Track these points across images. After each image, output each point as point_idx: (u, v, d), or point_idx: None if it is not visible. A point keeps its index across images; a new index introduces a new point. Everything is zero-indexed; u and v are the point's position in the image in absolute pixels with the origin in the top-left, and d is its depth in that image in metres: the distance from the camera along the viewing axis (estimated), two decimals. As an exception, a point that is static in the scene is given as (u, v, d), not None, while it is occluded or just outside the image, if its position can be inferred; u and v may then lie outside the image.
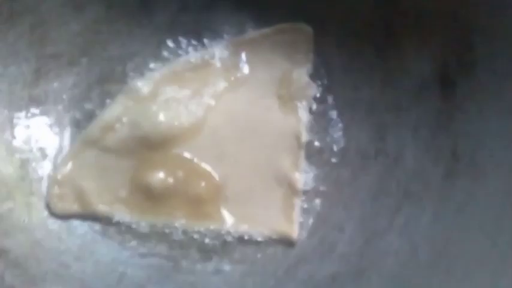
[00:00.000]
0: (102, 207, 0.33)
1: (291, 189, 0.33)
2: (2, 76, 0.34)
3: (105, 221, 0.33)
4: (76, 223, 0.33)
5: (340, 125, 0.35)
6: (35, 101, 0.35)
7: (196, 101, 0.35)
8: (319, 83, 0.36)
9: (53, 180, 0.33)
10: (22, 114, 0.34)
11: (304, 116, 0.34)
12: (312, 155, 0.34)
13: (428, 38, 0.32)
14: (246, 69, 0.36)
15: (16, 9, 0.33)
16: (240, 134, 0.34)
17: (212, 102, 0.35)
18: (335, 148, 0.34)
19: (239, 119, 0.35)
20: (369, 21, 0.34)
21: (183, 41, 0.37)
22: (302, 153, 0.34)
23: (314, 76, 0.36)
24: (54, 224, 0.33)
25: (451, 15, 0.30)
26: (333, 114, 0.35)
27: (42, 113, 0.35)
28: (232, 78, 0.35)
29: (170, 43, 0.37)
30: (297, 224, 0.32)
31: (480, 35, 0.29)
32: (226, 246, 0.33)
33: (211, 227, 0.33)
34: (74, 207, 0.33)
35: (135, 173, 0.33)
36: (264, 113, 0.35)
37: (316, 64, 0.36)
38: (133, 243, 0.33)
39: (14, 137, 0.34)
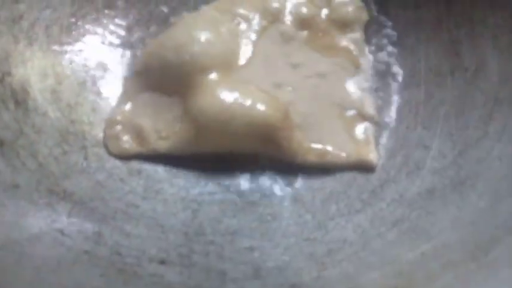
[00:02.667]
0: (162, 144, 0.30)
1: (361, 112, 0.30)
2: (38, 20, 0.31)
3: (166, 159, 0.30)
4: (136, 164, 0.30)
5: (403, 46, 0.32)
6: (74, 45, 0.32)
7: (241, 26, 0.32)
8: (376, 6, 0.33)
9: (111, 121, 0.30)
10: (62, 58, 0.31)
11: (361, 38, 0.32)
12: (377, 78, 0.32)
13: None
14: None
15: None
16: (294, 63, 0.31)
17: (261, 29, 0.32)
18: (401, 70, 0.32)
19: (293, 45, 0.32)
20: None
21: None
22: (365, 77, 0.31)
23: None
24: (113, 167, 0.30)
25: None
26: (394, 36, 0.32)
27: (84, 57, 0.32)
28: (276, 5, 0.33)
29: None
30: (373, 147, 0.29)
31: None
32: (300, 175, 0.29)
33: (282, 156, 0.29)
34: (134, 147, 0.30)
35: (189, 102, 0.29)
36: (319, 38, 0.32)
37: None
38: (200, 180, 0.30)
39: (58, 83, 0.31)
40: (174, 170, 0.29)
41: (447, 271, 0.21)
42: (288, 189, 0.29)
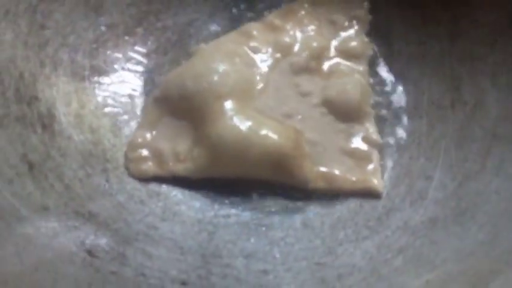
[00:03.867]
0: (180, 167, 0.31)
1: (367, 142, 0.32)
2: (62, 45, 0.32)
3: (183, 182, 0.31)
4: (154, 186, 0.31)
5: (407, 79, 0.34)
6: (96, 70, 0.33)
7: (254, 58, 0.33)
8: (381, 41, 0.35)
9: (132, 145, 0.31)
10: (86, 83, 0.33)
11: (366, 70, 0.33)
12: (382, 111, 0.33)
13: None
14: (301, 30, 0.34)
15: (70, -21, 0.31)
16: (303, 92, 0.33)
17: (273, 61, 0.33)
18: (404, 103, 0.33)
19: (302, 76, 0.33)
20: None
21: (236, 10, 0.36)
22: (370, 108, 0.32)
23: (374, 35, 0.34)
24: (133, 188, 0.31)
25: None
26: (398, 69, 0.34)
27: (105, 82, 0.33)
28: (287, 39, 0.34)
29: (222, 11, 0.36)
30: (379, 174, 0.31)
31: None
32: (310, 201, 0.31)
33: (293, 183, 0.31)
34: (153, 169, 0.31)
35: (206, 128, 0.31)
36: (325, 71, 0.33)
37: (376, 22, 0.35)
38: (215, 203, 0.31)
39: (81, 107, 0.32)
40: (191, 193, 0.31)
41: (451, 300, 0.22)
42: (298, 215, 0.30)
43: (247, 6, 0.36)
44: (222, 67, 0.31)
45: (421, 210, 0.28)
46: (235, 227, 0.29)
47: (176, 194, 0.31)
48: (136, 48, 0.35)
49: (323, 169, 0.30)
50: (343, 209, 0.30)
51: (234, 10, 0.37)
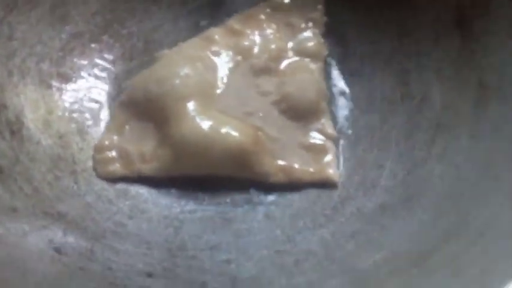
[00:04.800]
0: (146, 167, 0.32)
1: (324, 135, 0.33)
2: (30, 55, 0.33)
3: (149, 181, 0.33)
4: (122, 186, 0.32)
5: (361, 77, 0.36)
6: (63, 77, 0.34)
7: (216, 62, 0.35)
8: (335, 41, 0.37)
9: (100, 147, 0.33)
10: (53, 90, 0.34)
11: (321, 70, 0.35)
12: (337, 105, 0.35)
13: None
14: (260, 33, 0.36)
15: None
16: (263, 91, 0.34)
17: (234, 64, 0.35)
18: (360, 97, 0.35)
19: (262, 77, 0.35)
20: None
21: (198, 16, 0.38)
22: (325, 104, 0.34)
23: (329, 36, 0.36)
24: (101, 189, 0.32)
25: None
26: (353, 67, 0.36)
27: (72, 89, 0.34)
28: (247, 43, 0.36)
29: (185, 18, 0.37)
30: (335, 166, 0.33)
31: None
32: (271, 194, 0.32)
33: (255, 177, 0.32)
34: (120, 170, 0.33)
35: (170, 129, 0.32)
36: (283, 70, 0.35)
37: (331, 24, 0.37)
38: (181, 200, 0.32)
39: (49, 113, 0.33)
40: (157, 191, 0.32)
41: (393, 277, 0.24)
42: (260, 207, 0.32)
43: (209, 13, 0.38)
44: (184, 71, 0.33)
45: (373, 198, 0.30)
46: (201, 221, 0.31)
47: (143, 192, 0.32)
48: (103, 55, 0.36)
49: (283, 163, 0.32)
50: (302, 199, 0.32)
51: (196, 17, 0.38)
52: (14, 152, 0.30)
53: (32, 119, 0.32)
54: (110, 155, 0.32)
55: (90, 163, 0.33)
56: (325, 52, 0.35)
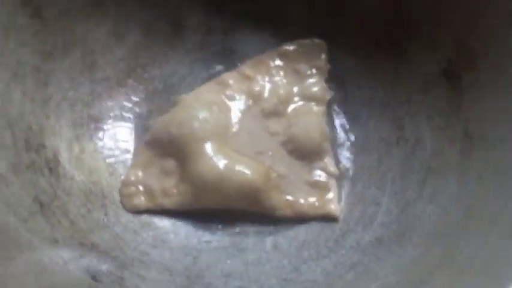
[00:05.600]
0: (167, 201, 0.36)
1: (327, 173, 0.37)
2: (64, 99, 0.37)
3: (171, 214, 0.37)
4: (146, 218, 0.37)
5: (359, 120, 0.40)
6: (93, 119, 0.38)
7: (230, 105, 0.39)
8: (337, 87, 0.41)
9: (126, 183, 0.37)
10: (85, 130, 0.38)
11: (324, 113, 0.39)
12: (339, 147, 0.39)
13: (430, 43, 0.38)
14: (270, 79, 0.40)
15: (68, 41, 0.37)
16: (272, 132, 0.39)
17: (246, 107, 0.39)
18: (357, 140, 0.39)
19: (271, 119, 0.39)
20: (376, 33, 0.39)
21: (212, 61, 0.42)
22: (328, 144, 0.38)
23: (332, 82, 0.41)
24: (128, 221, 0.36)
25: (447, 24, 0.36)
26: (352, 110, 0.40)
27: (102, 129, 0.39)
28: (258, 88, 0.40)
29: (201, 63, 0.41)
30: (336, 201, 0.37)
31: (475, 38, 0.35)
32: (279, 227, 0.36)
33: (264, 211, 0.36)
34: (144, 203, 0.36)
35: (190, 167, 0.36)
36: (290, 113, 0.39)
37: (333, 70, 0.41)
38: (198, 231, 0.37)
39: (81, 151, 0.37)
40: (177, 222, 0.36)
41: (388, 305, 0.28)
42: (269, 238, 0.36)
43: (222, 59, 0.42)
44: (201, 114, 0.37)
45: (370, 232, 0.34)
46: (216, 251, 0.35)
47: (165, 224, 0.36)
48: (128, 97, 0.40)
49: (290, 198, 0.36)
50: (307, 232, 0.36)
51: (211, 62, 0.42)
52: (52, 188, 0.34)
53: (67, 157, 0.36)
54: (135, 190, 0.37)
55: (117, 197, 0.37)
56: (328, 97, 0.39)
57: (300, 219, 0.36)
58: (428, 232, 0.31)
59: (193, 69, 0.41)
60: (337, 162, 0.38)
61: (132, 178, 0.37)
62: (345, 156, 0.38)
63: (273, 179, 0.36)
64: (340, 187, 0.37)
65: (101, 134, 0.38)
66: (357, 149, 0.38)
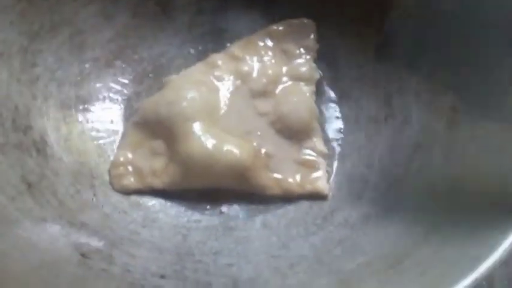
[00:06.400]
0: (156, 181, 0.37)
1: (316, 152, 0.38)
2: (51, 80, 0.38)
3: (160, 194, 0.37)
4: (135, 198, 0.37)
5: (349, 99, 0.40)
6: (81, 100, 0.39)
7: (218, 85, 0.40)
8: (327, 65, 0.42)
9: (115, 163, 0.37)
10: (73, 112, 0.39)
11: (312, 93, 0.40)
12: (328, 126, 0.40)
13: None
14: (258, 59, 0.41)
15: (56, 21, 0.37)
16: (260, 112, 0.39)
17: (234, 87, 0.40)
18: (347, 118, 0.40)
19: (260, 99, 0.39)
20: (365, 10, 0.40)
21: (202, 42, 0.43)
22: (317, 124, 0.39)
23: (322, 61, 0.41)
24: (117, 201, 0.37)
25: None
26: (342, 89, 0.40)
27: (90, 110, 0.39)
28: (246, 68, 0.40)
29: (190, 44, 0.42)
30: (325, 180, 0.37)
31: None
32: (269, 205, 0.37)
33: (254, 190, 0.37)
34: (133, 184, 0.37)
35: (179, 147, 0.36)
36: (278, 93, 0.40)
37: (324, 51, 0.42)
38: (188, 210, 0.37)
39: (69, 132, 0.38)
40: (167, 202, 0.37)
41: (374, 277, 0.29)
42: (259, 217, 0.36)
43: (211, 39, 0.42)
44: (190, 94, 0.38)
45: (358, 209, 0.35)
46: (205, 229, 0.35)
47: (154, 204, 0.36)
48: (116, 78, 0.40)
49: (278, 176, 0.37)
50: (296, 210, 0.36)
51: (200, 43, 0.42)
52: (40, 168, 0.35)
53: (54, 138, 0.37)
54: (124, 170, 0.37)
55: (106, 177, 0.37)
56: (317, 76, 0.40)
57: (289, 197, 0.36)
58: (414, 207, 0.32)
59: (182, 50, 0.42)
60: (327, 140, 0.38)
61: (121, 159, 0.37)
62: (335, 135, 0.38)
63: (261, 158, 0.36)
64: (329, 165, 0.37)
65: (89, 115, 0.39)
66: (347, 127, 0.39)
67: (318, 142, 0.37)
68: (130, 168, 0.37)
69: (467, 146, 0.32)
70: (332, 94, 0.40)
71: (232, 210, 0.36)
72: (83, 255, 0.31)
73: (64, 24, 0.38)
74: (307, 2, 0.41)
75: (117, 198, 0.36)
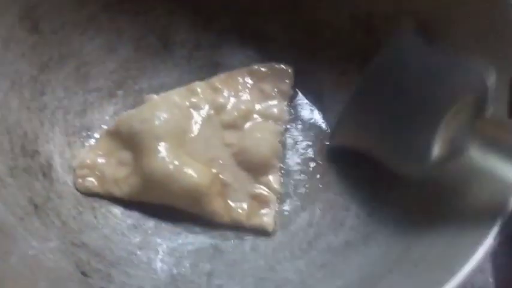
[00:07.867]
0: (116, 189, 0.39)
1: (269, 189, 0.40)
2: (58, 108, 0.41)
3: (155, 216, 0.40)
4: (133, 221, 0.40)
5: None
6: (84, 127, 0.42)
7: (192, 112, 0.42)
8: (315, 100, 0.45)
9: (82, 164, 0.39)
10: (77, 138, 0.41)
11: (279, 133, 0.43)
12: (302, 160, 0.43)
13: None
14: (235, 94, 0.44)
15: (63, 53, 0.41)
16: (226, 143, 0.42)
17: (207, 116, 0.43)
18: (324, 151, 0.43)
19: (229, 131, 0.42)
20: (349, 50, 0.43)
21: (199, 74, 0.46)
22: (277, 163, 0.41)
23: (310, 95, 0.45)
24: (116, 223, 0.39)
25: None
26: (330, 123, 0.44)
27: (93, 137, 0.42)
28: (222, 100, 0.43)
29: (188, 76, 0.45)
30: (271, 216, 0.39)
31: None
32: (257, 231, 0.41)
33: (204, 215, 0.39)
34: (95, 187, 0.38)
35: (143, 162, 0.39)
36: (247, 127, 0.43)
37: (313, 86, 0.45)
38: (182, 234, 0.39)
39: (73, 158, 0.41)
40: (163, 225, 0.40)
41: (350, 298, 0.32)
42: (248, 241, 0.39)
43: (208, 71, 0.45)
44: (163, 115, 0.40)
45: (340, 235, 0.38)
46: (198, 251, 0.38)
47: (151, 226, 0.39)
48: (118, 107, 0.43)
49: (230, 206, 0.39)
50: (283, 235, 0.39)
51: (198, 75, 0.45)
52: (46, 191, 0.38)
53: (59, 163, 0.40)
54: (88, 172, 0.39)
55: (106, 201, 0.40)
56: (287, 118, 0.43)
57: (236, 227, 0.39)
58: (390, 232, 0.35)
59: (180, 81, 0.44)
60: (306, 172, 0.41)
61: (88, 161, 0.39)
62: (319, 167, 0.42)
63: (218, 185, 0.39)
64: (280, 205, 0.39)
65: (91, 142, 0.41)
66: (331, 158, 0.42)
67: (274, 179, 0.40)
68: (95, 171, 0.40)
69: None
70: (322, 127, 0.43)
71: (223, 234, 0.39)
72: (83, 273, 0.34)
73: (71, 56, 0.42)
74: (298, 41, 0.44)
75: (115, 220, 0.39)
